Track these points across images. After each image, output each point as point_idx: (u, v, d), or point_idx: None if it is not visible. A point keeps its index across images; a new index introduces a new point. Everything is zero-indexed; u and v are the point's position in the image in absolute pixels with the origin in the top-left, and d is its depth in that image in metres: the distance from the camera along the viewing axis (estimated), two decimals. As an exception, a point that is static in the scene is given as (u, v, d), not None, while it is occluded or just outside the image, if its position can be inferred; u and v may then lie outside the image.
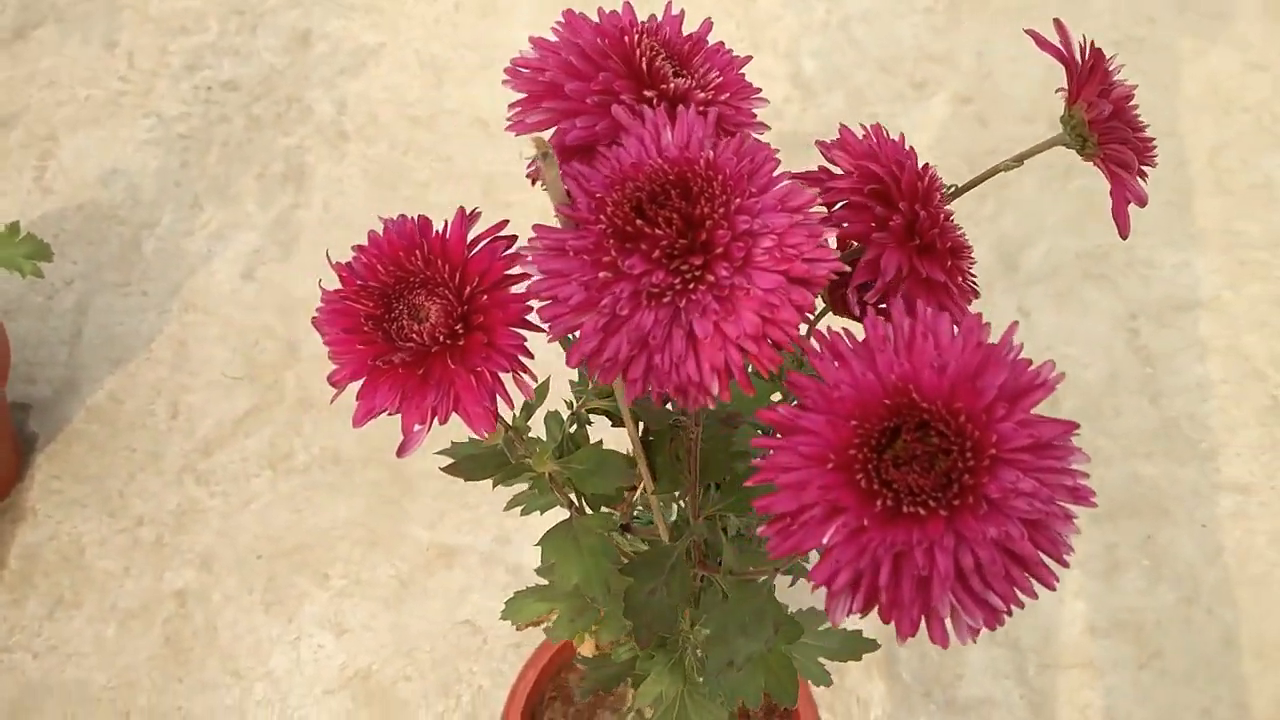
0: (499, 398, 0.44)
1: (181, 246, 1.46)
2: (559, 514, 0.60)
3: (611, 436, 0.66)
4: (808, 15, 1.64)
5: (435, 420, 0.43)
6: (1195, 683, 1.17)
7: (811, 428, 0.36)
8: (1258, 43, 1.59)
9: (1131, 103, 0.48)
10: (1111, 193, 0.49)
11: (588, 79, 0.43)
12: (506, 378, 0.43)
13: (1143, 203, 0.49)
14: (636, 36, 0.44)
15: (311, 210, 1.48)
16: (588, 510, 0.60)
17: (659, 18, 0.48)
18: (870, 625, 0.51)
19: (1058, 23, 0.50)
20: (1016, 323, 0.38)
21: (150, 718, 1.17)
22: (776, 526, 0.37)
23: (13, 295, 1.41)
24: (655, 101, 0.43)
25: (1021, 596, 0.35)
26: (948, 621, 0.35)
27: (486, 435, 0.43)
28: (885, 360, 0.36)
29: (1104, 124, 0.48)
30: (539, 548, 0.57)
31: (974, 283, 0.47)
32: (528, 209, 1.47)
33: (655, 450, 0.58)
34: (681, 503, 0.65)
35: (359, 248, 0.45)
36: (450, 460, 0.53)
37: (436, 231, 0.44)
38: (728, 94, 0.45)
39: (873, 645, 0.73)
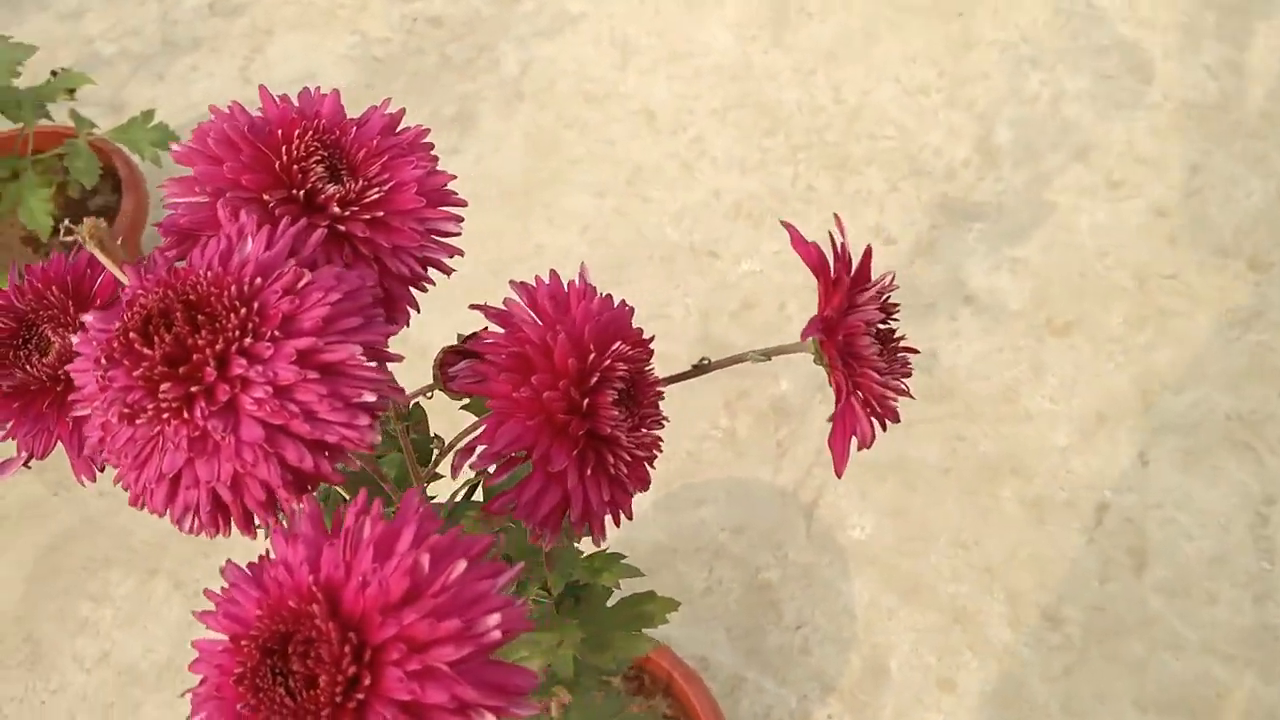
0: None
1: (341, 163, 1.51)
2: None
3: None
4: (1019, 81, 1.52)
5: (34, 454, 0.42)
6: None
7: (236, 608, 0.33)
8: None
9: (865, 341, 0.43)
10: (837, 419, 0.44)
11: (218, 164, 0.40)
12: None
13: (865, 443, 0.44)
14: (303, 129, 0.41)
15: (464, 159, 1.50)
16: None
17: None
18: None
19: (837, 217, 0.46)
20: (512, 562, 0.33)
21: (171, 580, 1.23)
22: None
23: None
24: (280, 206, 0.40)
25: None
26: None
27: (90, 484, 0.42)
28: (330, 557, 0.32)
29: (834, 347, 0.43)
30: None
31: (635, 463, 0.42)
32: (666, 206, 1.44)
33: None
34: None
35: (29, 268, 0.44)
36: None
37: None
38: (384, 211, 0.41)
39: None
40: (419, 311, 0.44)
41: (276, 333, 0.33)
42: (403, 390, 0.37)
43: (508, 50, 1.60)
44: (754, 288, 1.39)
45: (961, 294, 1.37)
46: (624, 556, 0.60)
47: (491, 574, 0.32)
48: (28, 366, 0.41)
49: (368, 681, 0.30)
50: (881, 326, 0.46)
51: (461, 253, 0.45)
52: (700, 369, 0.47)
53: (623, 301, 0.44)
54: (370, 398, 0.34)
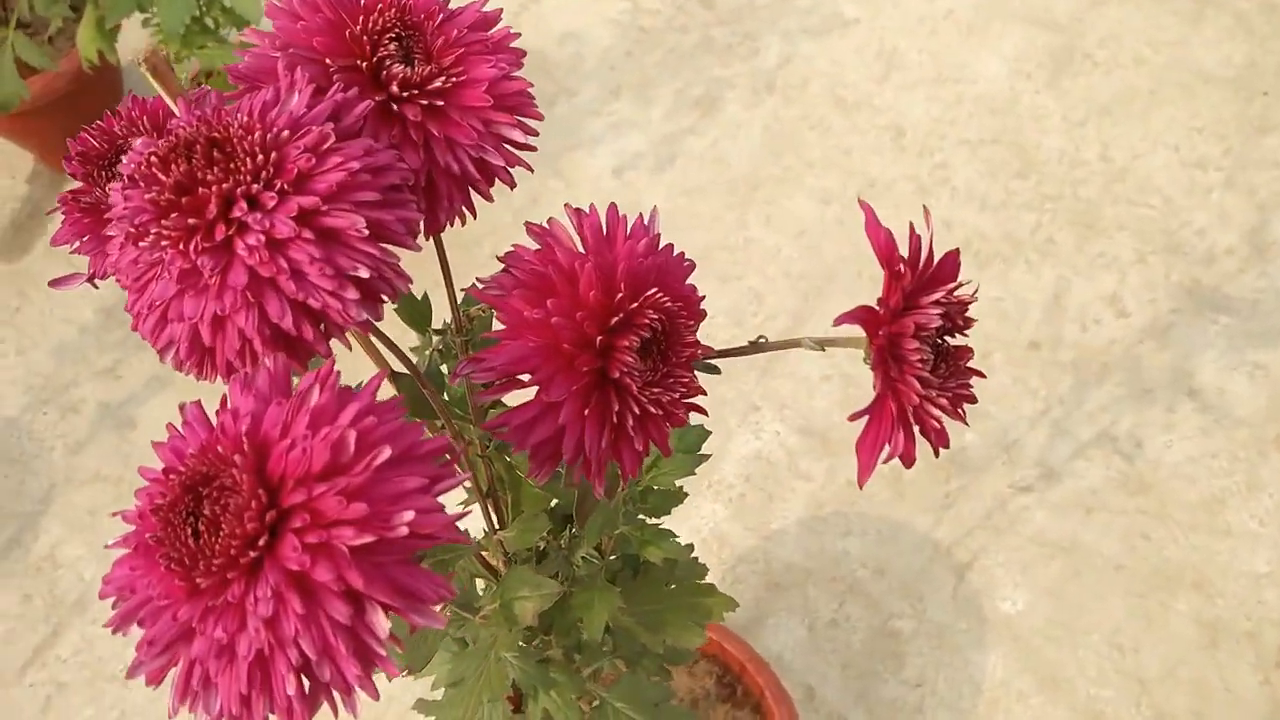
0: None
1: (584, 122, 1.54)
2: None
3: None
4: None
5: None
6: None
7: (181, 443, 0.33)
8: None
9: (912, 345, 0.38)
10: (868, 421, 0.39)
11: (297, 21, 0.39)
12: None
13: (898, 456, 0.40)
14: (387, 4, 0.40)
15: (699, 141, 1.49)
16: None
17: None
18: None
19: (925, 210, 0.42)
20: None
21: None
22: None
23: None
24: (340, 72, 0.39)
25: None
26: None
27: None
28: (273, 415, 0.31)
29: (877, 344, 0.39)
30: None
31: (647, 417, 0.39)
32: (890, 226, 1.38)
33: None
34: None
35: (134, 99, 0.44)
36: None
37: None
38: (444, 102, 0.40)
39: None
40: (474, 216, 0.43)
41: (287, 186, 0.33)
42: (408, 279, 0.36)
43: (771, 42, 1.58)
44: (961, 329, 1.31)
45: (1187, 387, 1.25)
46: (674, 535, 0.57)
47: (430, 476, 0.30)
48: (105, 186, 0.42)
49: (263, 541, 0.29)
50: (950, 340, 0.41)
51: (528, 166, 0.43)
52: (757, 346, 0.43)
53: (681, 254, 0.41)
54: (364, 273, 0.33)
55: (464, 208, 0.42)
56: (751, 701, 0.99)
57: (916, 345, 0.39)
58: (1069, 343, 1.30)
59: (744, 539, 1.21)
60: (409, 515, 0.29)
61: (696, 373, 0.42)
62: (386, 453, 0.30)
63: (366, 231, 0.33)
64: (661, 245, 0.40)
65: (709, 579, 1.19)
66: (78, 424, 1.32)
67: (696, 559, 0.74)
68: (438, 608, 0.30)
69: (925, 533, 1.19)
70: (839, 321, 0.39)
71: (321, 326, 0.34)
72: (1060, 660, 1.11)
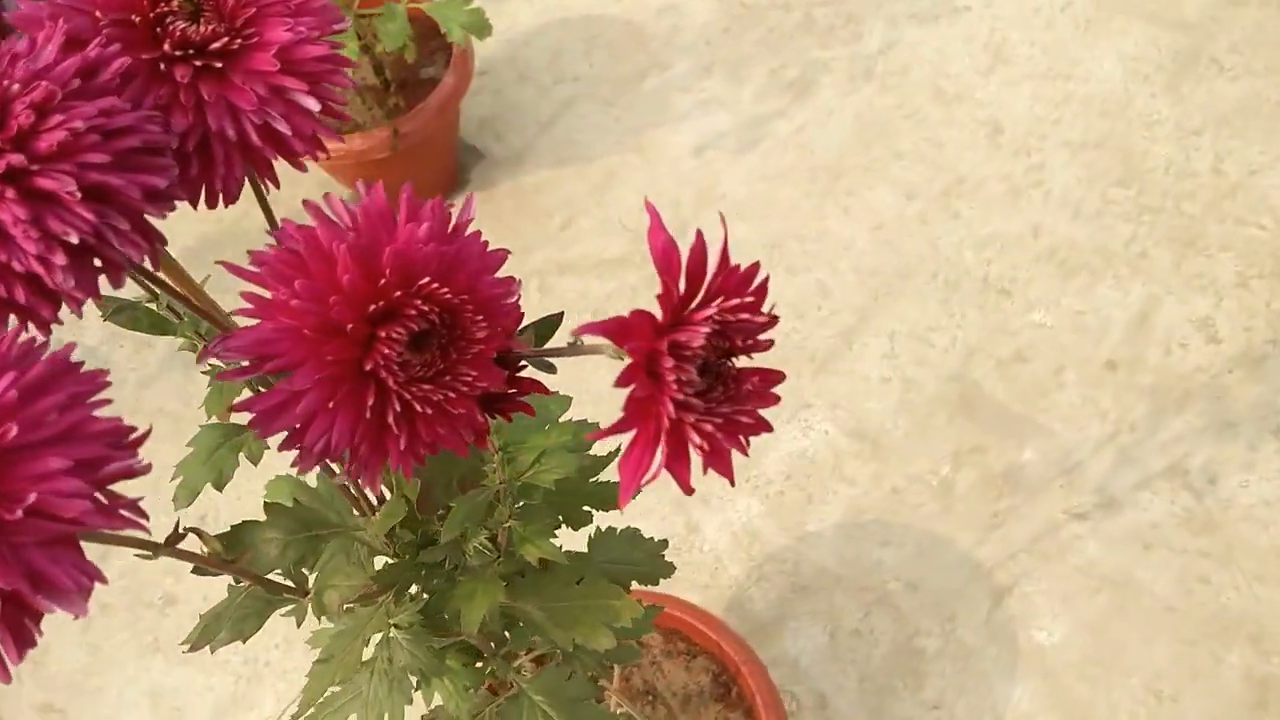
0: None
1: (671, 98, 1.51)
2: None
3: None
4: None
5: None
6: None
7: None
8: None
9: (668, 364, 0.35)
10: (634, 438, 0.36)
11: None
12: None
13: (682, 487, 0.36)
14: None
15: (787, 125, 1.45)
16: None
17: None
18: None
19: (721, 216, 0.38)
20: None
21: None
22: None
23: (536, 65, 1.56)
24: (110, 26, 0.38)
25: None
26: None
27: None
28: None
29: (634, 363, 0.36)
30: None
31: (415, 417, 0.36)
32: (974, 228, 1.32)
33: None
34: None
35: None
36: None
37: None
38: (224, 64, 0.38)
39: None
40: (277, 187, 0.41)
41: (3, 144, 0.32)
42: (143, 247, 0.34)
43: (875, 25, 1.52)
44: (1035, 341, 1.25)
45: (1275, 424, 1.16)
46: (557, 528, 0.55)
47: (87, 459, 0.29)
48: None
49: None
50: (735, 362, 0.38)
51: (333, 133, 0.41)
52: (575, 349, 0.40)
53: (485, 244, 0.38)
54: (74, 238, 0.32)
55: (262, 176, 0.41)
56: (745, 705, 0.96)
57: (673, 364, 0.35)
58: (1150, 366, 1.22)
59: (777, 537, 1.17)
60: (31, 498, 0.28)
61: (536, 372, 0.40)
62: (13, 431, 0.29)
63: (79, 195, 0.32)
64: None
65: (734, 575, 1.16)
66: (150, 360, 1.37)
67: (663, 556, 0.71)
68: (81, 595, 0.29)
69: (967, 551, 1.14)
70: (580, 332, 0.36)
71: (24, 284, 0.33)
72: (1091, 699, 1.04)
